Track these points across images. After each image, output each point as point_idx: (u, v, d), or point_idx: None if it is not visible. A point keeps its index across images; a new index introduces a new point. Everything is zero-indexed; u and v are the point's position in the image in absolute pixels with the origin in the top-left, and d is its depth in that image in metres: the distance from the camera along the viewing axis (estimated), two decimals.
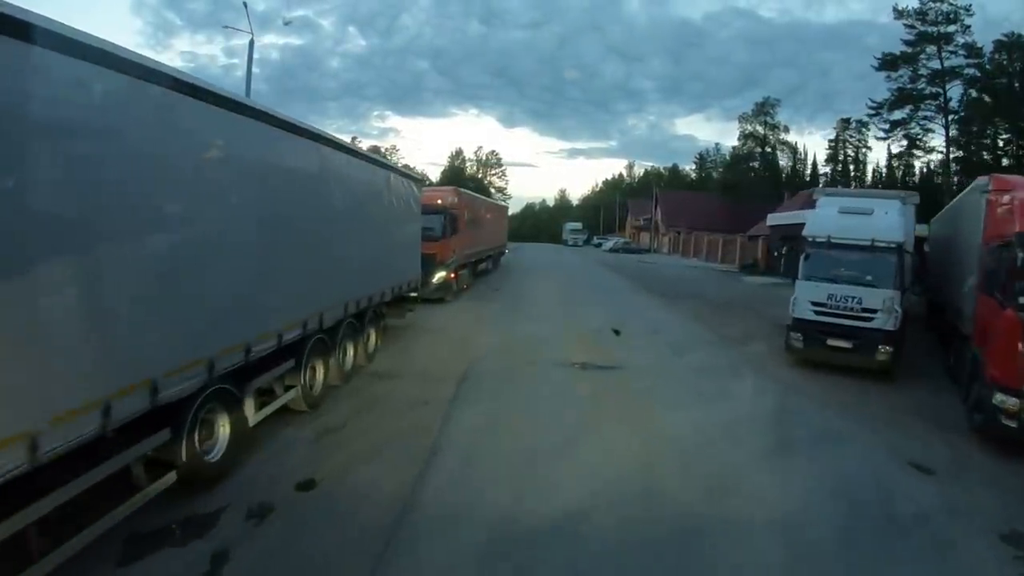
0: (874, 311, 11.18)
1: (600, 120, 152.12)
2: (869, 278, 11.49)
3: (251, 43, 20.81)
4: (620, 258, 49.21)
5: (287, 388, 7.57)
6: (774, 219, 35.07)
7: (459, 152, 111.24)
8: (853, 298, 11.36)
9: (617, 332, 14.19)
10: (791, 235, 33.78)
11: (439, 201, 18.40)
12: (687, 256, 53.12)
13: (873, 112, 43.58)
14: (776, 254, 34.28)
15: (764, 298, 23.71)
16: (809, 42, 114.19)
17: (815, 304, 11.61)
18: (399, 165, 13.79)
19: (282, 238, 7.01)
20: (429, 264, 17.03)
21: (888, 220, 12.06)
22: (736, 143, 69.00)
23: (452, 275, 18.69)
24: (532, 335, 13.29)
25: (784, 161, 70.82)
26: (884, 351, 11.02)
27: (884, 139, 44.50)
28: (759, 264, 35.94)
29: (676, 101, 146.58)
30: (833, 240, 11.79)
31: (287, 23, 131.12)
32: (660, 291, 23.46)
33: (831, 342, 11.38)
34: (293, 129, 7.29)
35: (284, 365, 7.28)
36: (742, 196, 57.29)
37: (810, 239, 12.05)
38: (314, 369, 8.29)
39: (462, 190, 21.72)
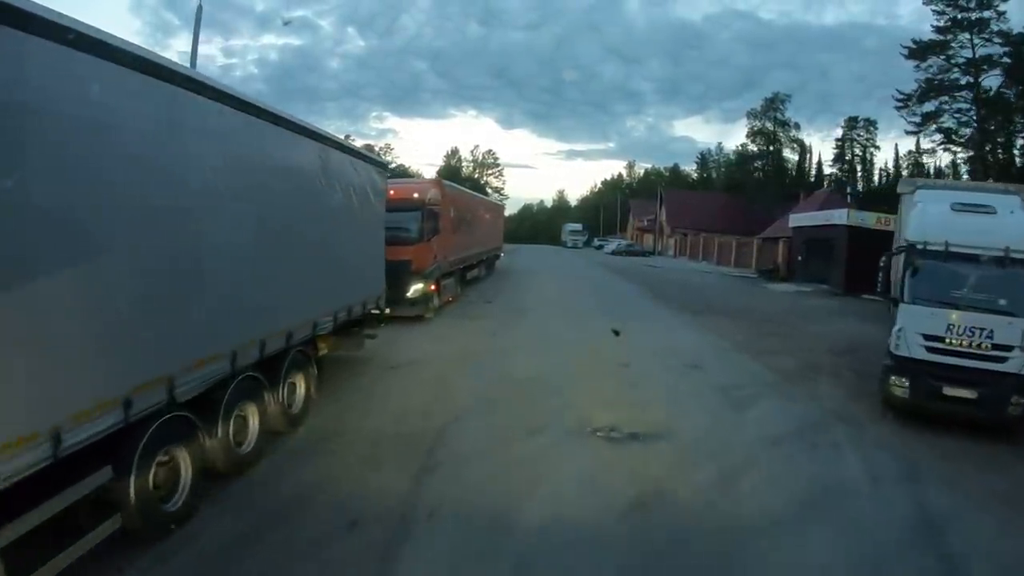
0: (1008, 348, 7.97)
1: (599, 122, 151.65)
2: (1002, 303, 8.27)
3: (199, 8, 17.48)
4: (625, 261, 45.91)
5: (103, 509, 4.25)
6: (797, 220, 31.92)
7: (455, 151, 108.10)
8: (982, 330, 8.12)
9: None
10: (817, 237, 30.66)
11: (415, 195, 15.04)
12: (695, 259, 49.92)
13: (901, 104, 40.18)
14: (800, 258, 31.13)
15: (799, 311, 20.52)
16: (808, 44, 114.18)
17: (928, 338, 8.34)
18: (385, 157, 10.54)
19: (80, 243, 3.72)
20: (402, 273, 13.85)
21: (1020, 221, 8.88)
22: (744, 140, 65.79)
23: (432, 286, 15.35)
24: (534, 374, 9.92)
25: (794, 159, 67.72)
26: (1019, 404, 7.85)
27: (914, 133, 41.12)
28: (780, 269, 32.68)
29: (675, 103, 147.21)
30: (952, 248, 8.53)
31: (286, 23, 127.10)
32: (680, 302, 20.17)
33: (949, 391, 8.13)
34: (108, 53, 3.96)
35: (85, 483, 3.96)
36: (753, 196, 54.19)
37: (919, 246, 8.75)
38: (172, 466, 4.97)
39: (447, 183, 18.33)
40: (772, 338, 14.76)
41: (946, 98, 37.39)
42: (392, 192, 14.92)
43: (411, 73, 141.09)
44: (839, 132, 72.42)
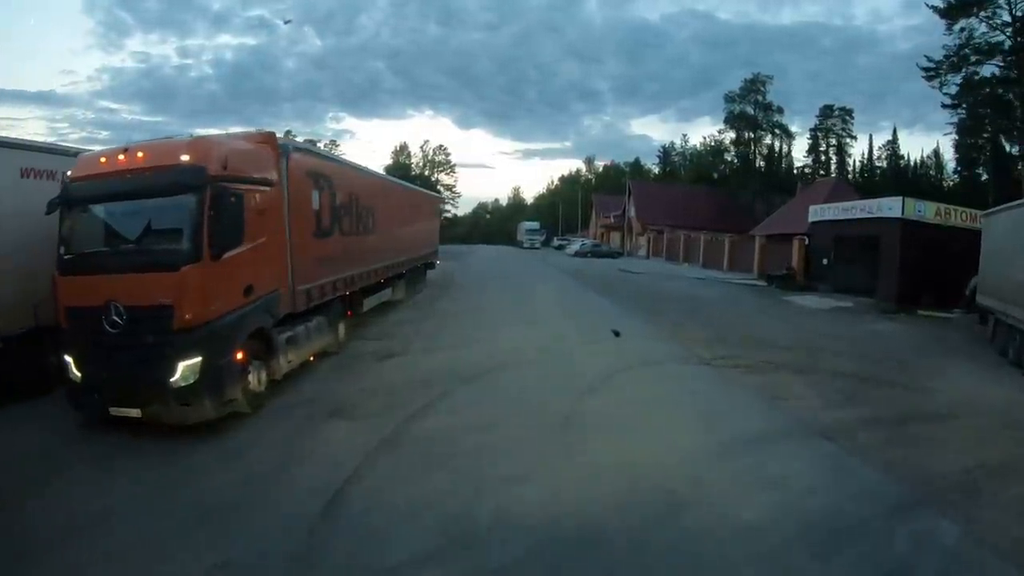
0: None
1: (556, 121, 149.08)
2: None
3: None
4: (594, 265, 38.36)
5: None
6: (820, 212, 24.95)
7: (404, 147, 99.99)
8: None
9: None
10: (853, 235, 23.45)
11: (186, 159, 6.91)
12: (674, 260, 42.86)
13: (931, 73, 33.44)
14: (826, 261, 24.14)
15: (880, 347, 13.25)
16: (765, 44, 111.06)
17: None
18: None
19: None
20: (148, 334, 6.53)
21: None
22: (720, 127, 59.22)
23: (239, 353, 7.34)
24: None
25: (776, 148, 61.62)
26: None
27: (952, 107, 34.38)
28: (795, 274, 25.62)
29: (631, 102, 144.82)
30: None
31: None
32: (699, 338, 12.55)
33: None
34: None
35: None
36: (736, 188, 47.58)
37: None
38: None
39: (298, 144, 9.84)
40: (924, 434, 7.46)
41: (1001, 60, 30.49)
42: (120, 158, 7.09)
43: (369, 73, 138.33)
44: (796, 128, 67.07)
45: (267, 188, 8.14)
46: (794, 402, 8.55)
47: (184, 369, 6.62)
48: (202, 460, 6.44)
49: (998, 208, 15.15)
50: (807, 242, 25.89)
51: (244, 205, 7.50)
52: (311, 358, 9.70)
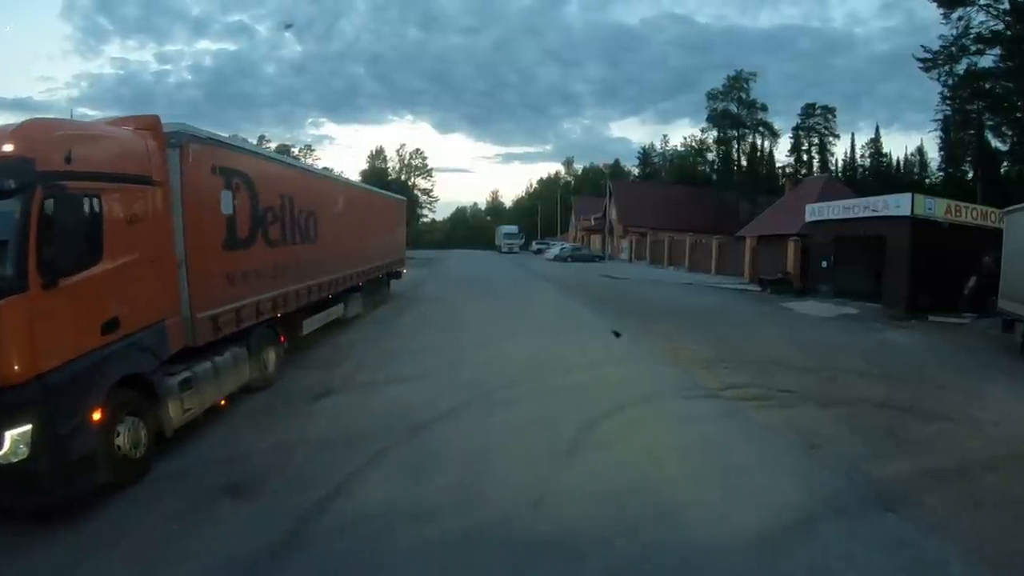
0: None
1: (536, 124, 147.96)
2: None
3: None
4: (574, 270, 36.60)
5: None
6: (819, 211, 23.40)
7: (380, 151, 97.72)
8: None
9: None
10: (856, 235, 21.55)
11: (7, 148, 4.85)
12: (658, 264, 41.26)
13: (928, 64, 32.04)
14: (825, 264, 22.62)
15: (908, 365, 11.58)
16: (743, 46, 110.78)
17: None
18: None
19: None
20: None
21: None
22: (703, 125, 57.75)
23: (99, 412, 5.31)
24: None
25: (758, 147, 60.36)
26: None
27: (950, 99, 32.99)
28: (791, 279, 24.04)
29: (611, 105, 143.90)
30: None
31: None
32: (705, 358, 10.81)
33: None
34: None
35: None
36: (721, 188, 46.15)
37: None
38: None
39: (194, 133, 7.43)
40: (999, 491, 5.82)
41: (1001, 50, 29.05)
42: None
43: (349, 78, 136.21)
44: (776, 128, 65.88)
45: (144, 187, 6.16)
46: (832, 449, 6.78)
47: (11, 440, 4.66)
48: (38, 564, 4.51)
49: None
50: (802, 243, 24.33)
51: (102, 211, 5.52)
52: (223, 402, 7.71)
